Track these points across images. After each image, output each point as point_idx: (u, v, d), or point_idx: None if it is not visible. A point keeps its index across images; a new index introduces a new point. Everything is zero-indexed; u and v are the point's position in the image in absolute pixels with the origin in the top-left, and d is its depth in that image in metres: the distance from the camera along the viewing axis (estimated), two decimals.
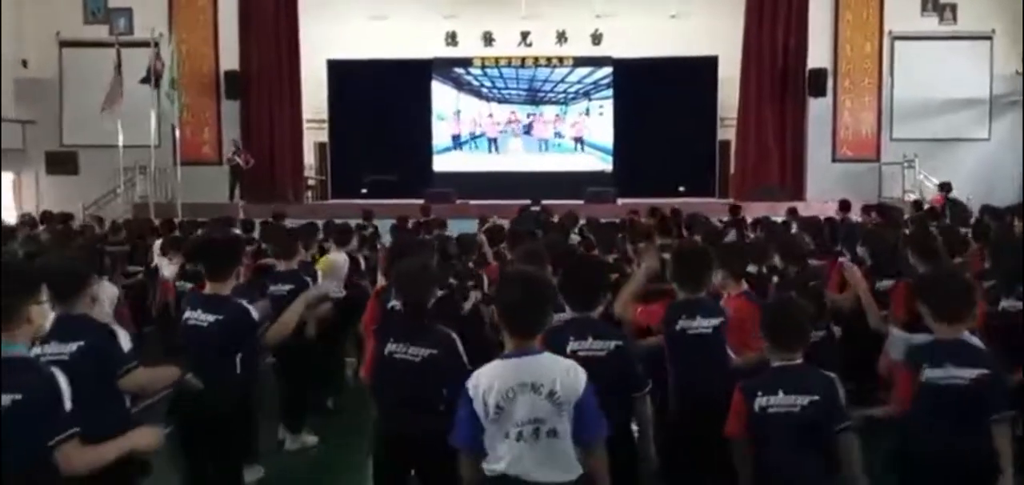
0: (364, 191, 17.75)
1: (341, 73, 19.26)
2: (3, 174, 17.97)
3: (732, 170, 19.26)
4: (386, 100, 18.66)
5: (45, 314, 2.85)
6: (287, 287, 5.82)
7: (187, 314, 4.26)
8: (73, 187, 17.38)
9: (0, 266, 3.08)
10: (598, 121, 19.90)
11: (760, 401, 3.17)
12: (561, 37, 19.78)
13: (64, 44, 17.94)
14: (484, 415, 2.73)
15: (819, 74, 18.12)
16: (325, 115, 19.76)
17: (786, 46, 18.38)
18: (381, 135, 18.57)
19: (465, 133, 20.23)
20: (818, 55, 18.27)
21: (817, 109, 18.39)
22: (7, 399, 2.39)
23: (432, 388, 3.62)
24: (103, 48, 16.44)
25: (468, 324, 4.95)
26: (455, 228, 9.43)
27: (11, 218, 14.80)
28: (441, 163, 19.96)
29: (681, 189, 17.52)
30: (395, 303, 4.44)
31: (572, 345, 3.34)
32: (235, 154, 17.46)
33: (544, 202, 14.26)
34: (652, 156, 18.09)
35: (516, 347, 2.81)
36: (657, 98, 18.32)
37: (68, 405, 2.64)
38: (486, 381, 2.76)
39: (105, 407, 3.25)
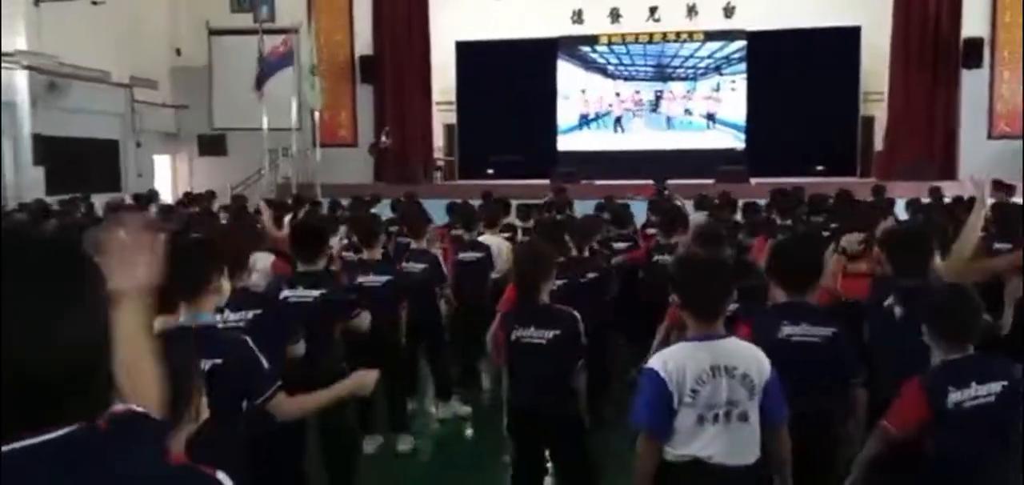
0: (490, 171, 17.95)
1: (469, 54, 19.53)
2: (160, 157, 19.40)
3: (877, 147, 18.24)
4: (512, 80, 18.76)
5: (226, 286, 3.03)
6: (421, 266, 6.03)
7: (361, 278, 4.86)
8: (222, 168, 18.43)
9: (189, 241, 3.30)
10: (730, 97, 19.30)
11: (954, 396, 2.92)
12: (691, 11, 19.27)
13: (213, 32, 19.00)
14: (677, 399, 2.69)
15: (974, 44, 16.83)
16: (453, 97, 20.12)
17: (938, 14, 17.18)
18: (507, 115, 18.71)
19: (591, 112, 20.11)
20: (973, 23, 16.96)
21: (971, 82, 17.09)
22: (208, 364, 2.53)
23: (558, 367, 3.75)
24: (248, 36, 17.31)
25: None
26: (581, 209, 9.41)
27: (167, 197, 15.87)
28: (566, 143, 19.92)
29: (819, 168, 16.73)
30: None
31: (785, 330, 3.27)
32: (385, 138, 18.18)
33: (672, 182, 13.96)
34: (788, 133, 17.36)
35: (700, 330, 2.78)
36: (794, 72, 17.56)
37: (265, 364, 2.84)
38: (676, 363, 2.71)
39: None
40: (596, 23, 19.66)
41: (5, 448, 0.95)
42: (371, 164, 19.24)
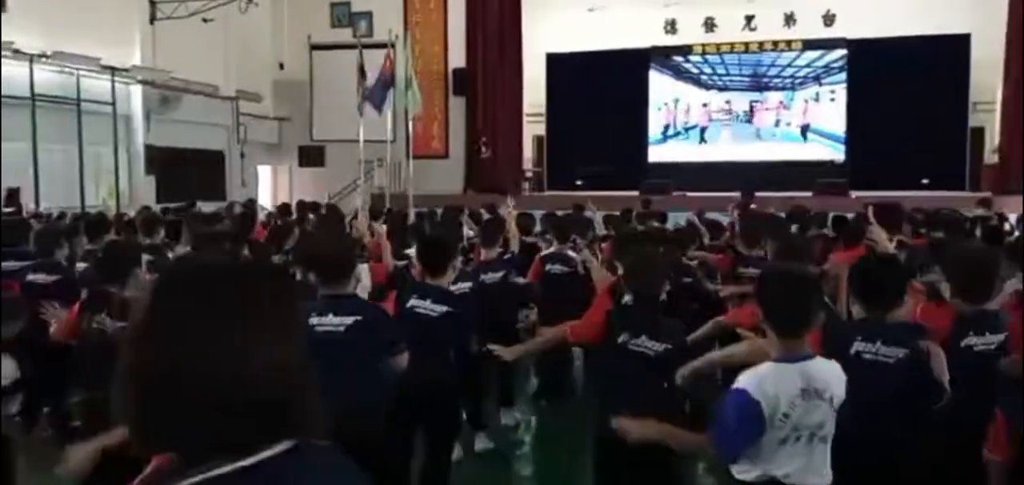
0: (579, 183, 17.94)
1: (559, 66, 19.61)
2: (262, 167, 20.24)
3: (987, 160, 17.30)
4: (602, 91, 18.73)
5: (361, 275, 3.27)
6: (498, 274, 6.09)
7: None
8: (320, 178, 19.06)
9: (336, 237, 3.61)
10: (828, 107, 18.71)
11: None
12: (789, 20, 18.80)
13: (314, 47, 19.71)
14: (769, 423, 2.60)
15: None
16: (543, 108, 20.23)
17: None
18: (597, 127, 18.68)
19: (683, 123, 19.85)
20: None
21: None
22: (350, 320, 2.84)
23: (662, 381, 3.62)
24: (347, 50, 17.88)
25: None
26: (677, 221, 9.34)
27: (268, 206, 16.54)
28: (656, 154, 19.73)
29: (924, 181, 16.00)
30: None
31: (857, 346, 3.15)
32: (484, 147, 18.47)
33: (768, 194, 13.58)
34: (891, 145, 16.70)
35: (786, 349, 2.68)
36: (898, 81, 16.89)
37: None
38: (770, 386, 2.61)
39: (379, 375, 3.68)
40: (690, 33, 19.43)
41: (213, 474, 0.98)
42: (461, 175, 19.55)
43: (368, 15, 19.44)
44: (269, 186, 20.49)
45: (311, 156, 20.13)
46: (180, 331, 1.00)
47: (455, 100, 19.77)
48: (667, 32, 19.55)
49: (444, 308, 4.43)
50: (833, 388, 2.65)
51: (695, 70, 19.60)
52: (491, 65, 19.50)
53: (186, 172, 16.53)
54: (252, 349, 1.00)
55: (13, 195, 12.35)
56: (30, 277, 5.72)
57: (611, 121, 18.79)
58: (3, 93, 12.87)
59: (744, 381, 2.64)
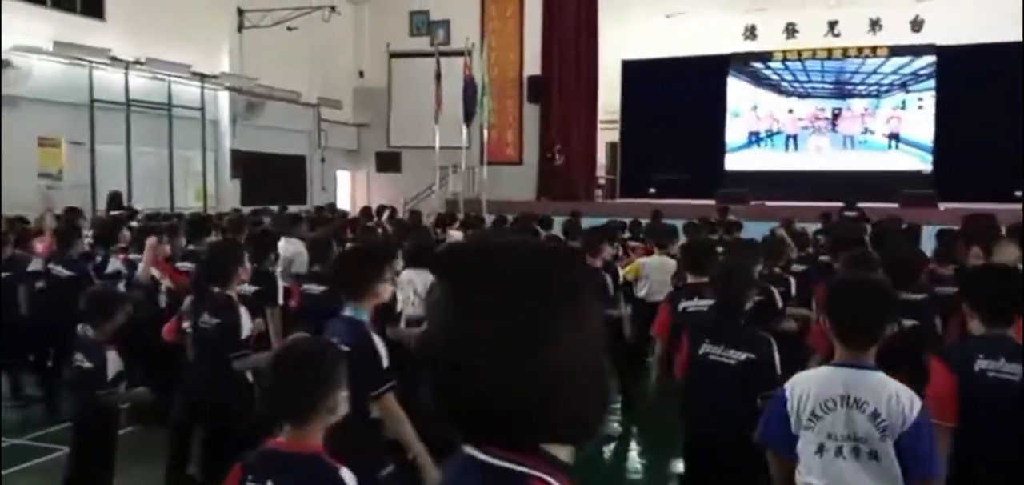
0: (653, 191, 17.75)
1: (635, 72, 19.50)
2: (341, 172, 20.73)
3: None
4: (679, 98, 18.51)
5: (389, 292, 3.30)
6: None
7: None
8: (396, 184, 19.42)
9: (357, 248, 3.65)
10: (916, 116, 18.09)
11: None
12: (874, 25, 18.25)
13: (393, 55, 20.11)
14: (796, 421, 2.62)
15: None
16: (617, 115, 20.14)
17: None
18: (672, 134, 18.46)
19: (762, 130, 19.48)
20: None
21: None
22: (346, 348, 2.78)
23: (744, 393, 3.54)
24: (425, 58, 18.18)
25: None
26: (753, 230, 9.08)
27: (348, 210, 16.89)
28: (734, 162, 19.40)
29: (1018, 194, 15.26)
30: (690, 304, 4.49)
31: (980, 364, 2.99)
32: (557, 155, 18.54)
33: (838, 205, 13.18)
34: (982, 155, 15.99)
35: (847, 357, 2.64)
36: (990, 89, 16.17)
37: (385, 364, 3.11)
38: (804, 386, 2.65)
39: None
40: (770, 39, 19.05)
41: (480, 454, 0.93)
42: (534, 181, 19.62)
43: (446, 23, 19.72)
44: (348, 191, 20.96)
45: (388, 162, 20.52)
46: (480, 316, 0.92)
47: (529, 107, 19.87)
48: (746, 38, 19.23)
49: None
50: (879, 405, 2.51)
51: (775, 77, 19.22)
52: (566, 72, 19.52)
53: (270, 176, 17.07)
54: (548, 339, 0.92)
55: (116, 198, 12.95)
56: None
57: (687, 128, 18.55)
58: (101, 99, 13.56)
59: (792, 379, 2.73)
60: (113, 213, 11.11)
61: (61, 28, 12.91)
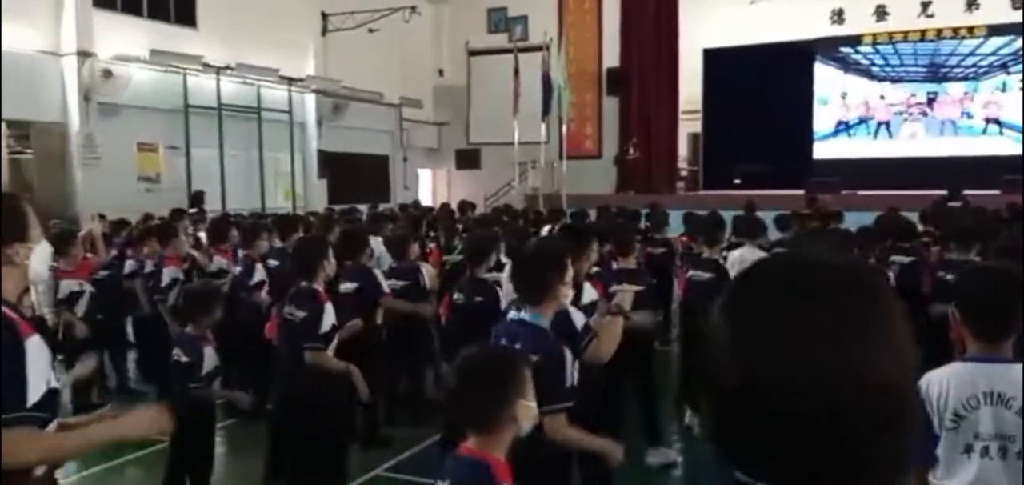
0: (737, 182, 17.36)
1: (717, 61, 19.10)
2: (422, 170, 21.02)
3: None
4: (763, 87, 18.04)
5: (570, 295, 3.17)
6: (707, 275, 5.89)
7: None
8: (476, 181, 19.58)
9: (537, 249, 3.46)
10: (1018, 99, 17.12)
11: None
12: (971, 4, 17.37)
13: (472, 53, 20.26)
14: (938, 423, 2.48)
15: None
16: (699, 105, 19.77)
17: None
18: (756, 123, 18.01)
19: (852, 117, 18.81)
20: None
21: None
22: (534, 358, 2.64)
23: None
24: (503, 55, 18.25)
25: None
26: (849, 221, 8.71)
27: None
28: (822, 150, 18.80)
29: None
30: None
31: None
32: (632, 149, 18.38)
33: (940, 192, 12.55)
34: None
35: (981, 350, 2.49)
36: None
37: (569, 381, 2.92)
38: (940, 385, 2.49)
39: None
40: (859, 22, 18.36)
41: None
42: (614, 174, 19.46)
43: (524, 19, 19.75)
44: (429, 189, 21.24)
45: (468, 159, 20.70)
46: (771, 335, 0.83)
47: (609, 100, 19.72)
48: (834, 22, 18.58)
49: None
50: None
51: (865, 61, 18.54)
52: (646, 63, 19.30)
53: (355, 175, 17.46)
54: (859, 364, 0.82)
55: (198, 197, 13.47)
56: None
57: (772, 117, 18.07)
58: (194, 104, 14.12)
59: (924, 377, 2.50)
60: (191, 210, 11.58)
61: (156, 37, 13.50)
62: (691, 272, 6.21)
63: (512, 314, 3.22)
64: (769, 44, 18.10)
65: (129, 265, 7.24)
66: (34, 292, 6.52)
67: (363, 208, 12.76)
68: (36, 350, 2.07)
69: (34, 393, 2.03)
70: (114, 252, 7.50)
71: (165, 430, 2.48)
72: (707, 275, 5.95)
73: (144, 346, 7.30)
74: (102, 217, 9.90)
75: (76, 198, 12.33)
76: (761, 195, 13.85)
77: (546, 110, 16.29)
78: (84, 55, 12.32)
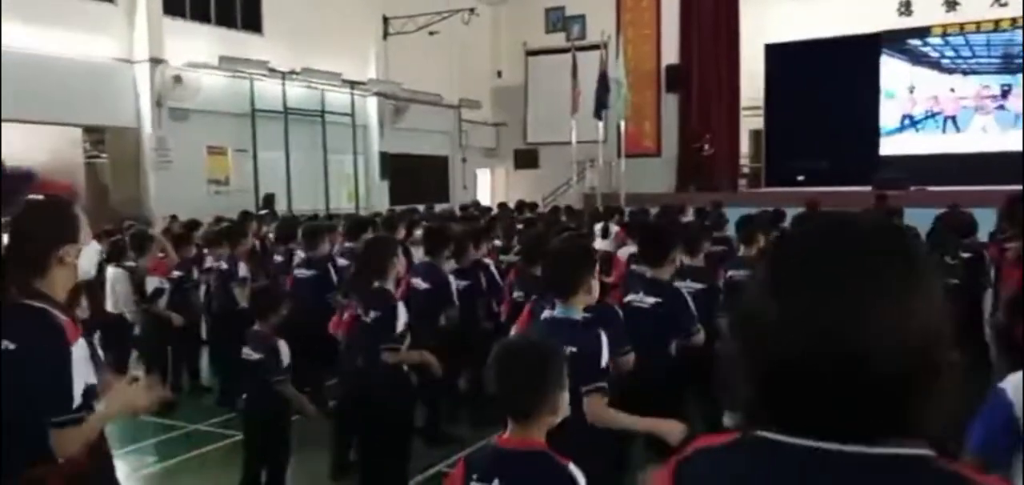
0: (800, 178, 17.01)
1: (779, 56, 18.75)
2: (481, 170, 21.18)
3: None
4: (827, 82, 17.66)
5: (597, 289, 3.24)
6: (743, 272, 5.85)
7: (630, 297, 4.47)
8: (534, 180, 19.64)
9: (567, 246, 3.56)
10: None
11: None
12: None
13: (529, 53, 20.34)
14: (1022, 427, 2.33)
15: None
16: (760, 102, 19.45)
17: None
18: (820, 119, 17.64)
19: (917, 112, 18.28)
20: None
21: None
22: (570, 350, 2.72)
23: None
24: (560, 54, 18.27)
25: None
26: (918, 218, 8.42)
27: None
28: (889, 146, 18.30)
29: None
30: None
31: None
32: (707, 145, 18.22)
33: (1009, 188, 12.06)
34: None
35: None
36: None
37: (604, 362, 3.02)
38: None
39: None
40: (927, 13, 17.81)
41: (873, 450, 0.86)
42: (673, 173, 19.30)
43: (581, 18, 19.74)
44: (488, 188, 21.39)
45: (526, 158, 20.79)
46: (800, 293, 0.87)
47: (668, 97, 19.56)
48: (901, 14, 18.07)
49: (655, 300, 4.35)
50: None
51: (935, 54, 17.98)
52: (706, 59, 19.08)
53: (416, 176, 17.72)
54: (900, 312, 0.86)
55: (269, 200, 13.86)
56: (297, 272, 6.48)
57: (836, 112, 17.67)
58: (261, 108, 14.51)
59: (1008, 378, 2.35)
60: (262, 212, 11.91)
61: (224, 44, 13.92)
62: (731, 272, 6.09)
63: (545, 313, 3.29)
64: (833, 38, 17.68)
65: (208, 262, 7.50)
66: (111, 293, 6.83)
67: (421, 208, 12.98)
68: (80, 352, 2.24)
69: (78, 394, 2.20)
70: (192, 252, 7.76)
71: (165, 400, 2.56)
72: (742, 273, 5.84)
73: (215, 344, 7.54)
74: (174, 218, 10.29)
75: (149, 200, 12.81)
76: (824, 192, 13.59)
77: (603, 107, 16.22)
78: (156, 62, 12.80)
